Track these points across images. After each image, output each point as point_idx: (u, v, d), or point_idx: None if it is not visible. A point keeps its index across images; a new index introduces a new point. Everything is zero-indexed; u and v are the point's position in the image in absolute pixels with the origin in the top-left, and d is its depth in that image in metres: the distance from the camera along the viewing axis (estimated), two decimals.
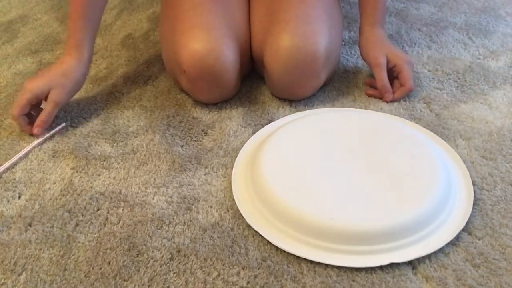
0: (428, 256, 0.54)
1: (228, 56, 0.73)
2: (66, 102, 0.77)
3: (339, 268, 0.53)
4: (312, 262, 0.54)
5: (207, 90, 0.77)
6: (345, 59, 0.92)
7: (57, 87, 0.73)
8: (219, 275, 0.53)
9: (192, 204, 0.62)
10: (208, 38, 0.73)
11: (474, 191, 0.61)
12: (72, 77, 0.75)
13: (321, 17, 0.76)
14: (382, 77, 0.78)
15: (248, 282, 0.52)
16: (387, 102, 0.79)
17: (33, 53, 1.02)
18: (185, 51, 0.72)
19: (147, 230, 0.59)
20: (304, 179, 0.59)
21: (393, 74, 0.80)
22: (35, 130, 0.74)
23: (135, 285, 0.52)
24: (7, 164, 0.69)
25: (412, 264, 0.53)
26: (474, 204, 0.60)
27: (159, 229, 0.59)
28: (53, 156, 0.72)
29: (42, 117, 0.74)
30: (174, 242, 0.57)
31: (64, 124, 0.77)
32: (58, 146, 0.73)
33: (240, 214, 0.60)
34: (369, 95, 0.81)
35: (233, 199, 0.62)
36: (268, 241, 0.56)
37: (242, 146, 0.71)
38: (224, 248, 0.56)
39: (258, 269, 0.53)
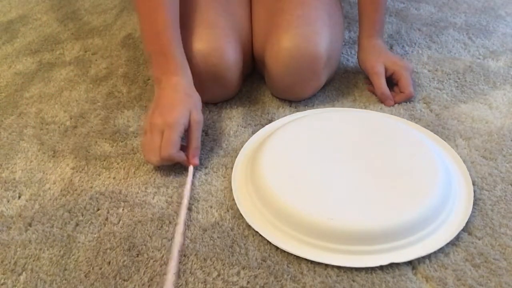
0: (428, 256, 0.54)
1: (231, 56, 0.73)
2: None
3: (339, 268, 0.53)
4: (312, 262, 0.54)
5: (209, 89, 0.77)
6: (346, 59, 0.92)
7: (191, 109, 0.67)
8: (219, 275, 0.53)
9: (192, 204, 0.62)
10: (211, 37, 0.73)
11: (474, 191, 0.61)
12: (193, 94, 0.69)
13: (322, 18, 0.76)
14: (381, 84, 0.78)
15: (248, 282, 0.52)
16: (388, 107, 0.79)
17: (33, 53, 1.02)
18: (188, 50, 0.72)
19: (147, 230, 0.59)
20: (304, 179, 0.59)
21: (392, 81, 0.80)
22: (196, 161, 0.67)
23: (135, 285, 0.52)
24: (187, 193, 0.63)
25: (412, 264, 0.53)
26: (474, 204, 0.60)
27: (159, 229, 0.59)
28: (53, 156, 0.72)
29: (194, 144, 0.67)
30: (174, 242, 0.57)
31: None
32: (58, 146, 0.74)
33: (240, 214, 0.60)
34: (370, 91, 0.82)
35: (233, 199, 0.62)
36: (268, 241, 0.56)
37: (242, 146, 0.71)
38: (224, 248, 0.56)
39: (258, 269, 0.53)
